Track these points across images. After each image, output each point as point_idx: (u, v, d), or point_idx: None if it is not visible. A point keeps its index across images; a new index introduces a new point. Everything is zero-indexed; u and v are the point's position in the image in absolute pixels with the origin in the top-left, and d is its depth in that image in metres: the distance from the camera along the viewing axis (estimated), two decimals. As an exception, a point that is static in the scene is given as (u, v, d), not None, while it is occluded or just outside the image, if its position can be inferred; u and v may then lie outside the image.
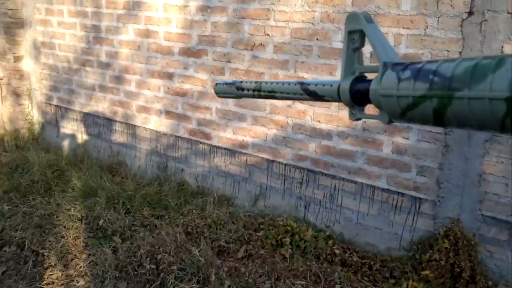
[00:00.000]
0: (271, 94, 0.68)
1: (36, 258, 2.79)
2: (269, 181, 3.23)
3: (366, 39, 0.54)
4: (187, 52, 3.39)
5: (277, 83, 0.68)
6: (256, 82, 0.71)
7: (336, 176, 2.92)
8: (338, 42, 2.74)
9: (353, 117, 0.58)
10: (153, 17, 3.52)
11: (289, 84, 0.65)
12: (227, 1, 3.11)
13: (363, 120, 2.71)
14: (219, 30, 3.19)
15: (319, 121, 2.91)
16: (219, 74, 3.26)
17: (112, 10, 3.77)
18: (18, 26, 4.48)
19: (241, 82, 0.75)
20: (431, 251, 2.55)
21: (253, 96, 0.72)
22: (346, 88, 0.56)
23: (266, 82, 0.70)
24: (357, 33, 0.55)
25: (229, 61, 3.19)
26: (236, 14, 3.09)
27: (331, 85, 0.59)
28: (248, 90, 0.73)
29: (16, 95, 4.69)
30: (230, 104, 3.26)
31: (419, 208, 2.68)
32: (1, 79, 4.73)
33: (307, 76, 2.86)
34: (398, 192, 2.72)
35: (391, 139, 2.68)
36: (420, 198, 2.66)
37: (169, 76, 3.54)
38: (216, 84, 0.81)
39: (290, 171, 3.11)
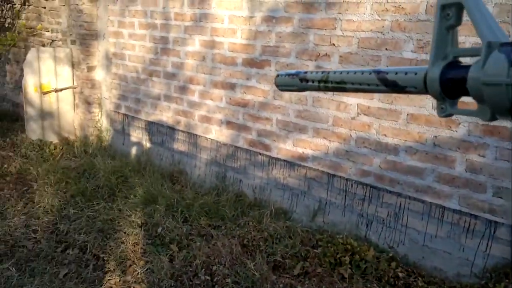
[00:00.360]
0: (341, 86, 0.60)
1: (97, 262, 2.84)
2: (329, 196, 3.11)
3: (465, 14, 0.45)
4: (250, 62, 3.39)
5: (348, 72, 0.59)
6: (322, 72, 0.63)
7: (402, 194, 2.75)
8: (408, 52, 2.60)
9: (443, 112, 0.48)
10: (219, 28, 3.56)
11: (362, 73, 0.56)
12: (293, 12, 3.07)
13: (433, 135, 2.56)
14: (283, 40, 3.16)
15: (385, 135, 2.77)
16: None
17: (180, 22, 3.86)
18: (92, 37, 4.73)
19: (306, 72, 0.66)
20: (506, 280, 2.32)
21: (319, 89, 0.64)
22: (435, 76, 0.46)
23: (334, 72, 0.61)
24: (453, 7, 0.46)
25: (292, 72, 3.14)
26: (302, 24, 3.04)
27: (416, 73, 0.49)
28: (313, 81, 0.64)
29: (88, 103, 4.93)
30: (291, 115, 3.20)
31: (494, 232, 2.44)
32: (75, 87, 5.00)
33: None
34: (471, 214, 2.50)
35: (465, 156, 2.48)
36: (496, 222, 2.43)
37: (232, 87, 3.55)
38: (277, 76, 0.73)
39: (351, 186, 2.97)
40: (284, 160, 3.32)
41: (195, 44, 3.77)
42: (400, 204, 2.77)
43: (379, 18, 2.69)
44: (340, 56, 2.89)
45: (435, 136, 2.57)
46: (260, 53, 3.31)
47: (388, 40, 2.68)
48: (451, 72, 0.46)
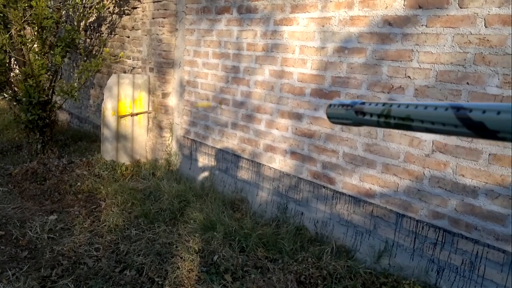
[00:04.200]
0: (406, 123, 0.47)
1: (151, 286, 2.83)
2: (396, 237, 2.88)
3: None
4: (319, 93, 3.31)
5: (417, 106, 0.46)
6: (384, 105, 0.51)
7: (480, 241, 2.47)
8: (493, 87, 2.39)
9: None
10: (289, 59, 3.55)
11: (435, 109, 0.44)
12: (366, 42, 2.98)
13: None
14: (355, 71, 3.06)
15: (462, 175, 2.53)
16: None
17: (251, 52, 3.91)
18: (169, 66, 4.94)
19: (363, 103, 0.55)
20: None
21: (378, 124, 0.52)
22: None
23: (399, 105, 0.48)
24: None
25: (362, 104, 3.01)
26: (375, 55, 2.94)
27: None
28: (371, 115, 0.52)
29: (160, 128, 5.10)
30: (359, 148, 3.05)
31: None
32: (150, 113, 5.21)
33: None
34: None
35: (557, 204, 2.19)
36: None
37: (298, 117, 3.49)
38: (330, 106, 0.61)
39: (422, 228, 2.74)
40: (349, 195, 3.15)
41: (265, 73, 3.78)
42: (477, 252, 2.49)
43: (461, 51, 2.52)
44: (416, 89, 2.74)
45: (522, 180, 2.31)
46: (330, 84, 3.23)
47: (470, 73, 2.49)
48: None
